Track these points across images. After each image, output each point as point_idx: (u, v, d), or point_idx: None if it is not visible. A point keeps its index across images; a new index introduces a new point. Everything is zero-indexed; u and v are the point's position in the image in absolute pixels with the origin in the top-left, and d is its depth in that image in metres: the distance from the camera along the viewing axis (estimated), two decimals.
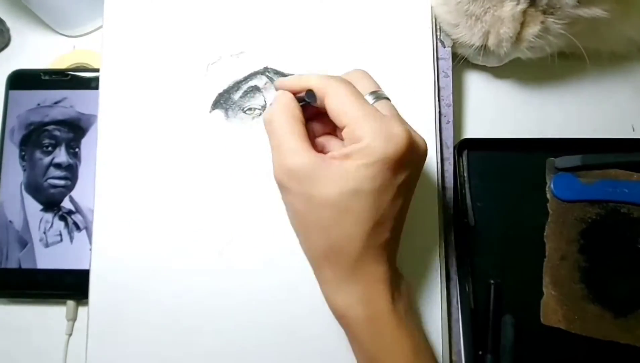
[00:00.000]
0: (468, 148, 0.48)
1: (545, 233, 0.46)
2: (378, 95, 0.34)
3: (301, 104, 0.34)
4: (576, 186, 0.47)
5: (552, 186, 0.47)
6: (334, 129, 0.36)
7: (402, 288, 0.35)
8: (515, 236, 0.46)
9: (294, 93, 0.34)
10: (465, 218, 0.46)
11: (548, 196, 0.47)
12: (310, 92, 0.33)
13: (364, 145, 0.31)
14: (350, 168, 0.31)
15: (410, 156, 0.31)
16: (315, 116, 0.35)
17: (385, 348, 0.33)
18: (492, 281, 0.45)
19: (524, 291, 0.45)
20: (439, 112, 0.44)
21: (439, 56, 0.45)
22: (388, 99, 0.34)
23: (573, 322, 0.44)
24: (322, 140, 0.36)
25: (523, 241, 0.46)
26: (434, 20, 0.45)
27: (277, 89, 0.35)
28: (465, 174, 0.47)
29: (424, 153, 0.33)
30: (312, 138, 0.36)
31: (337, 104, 0.32)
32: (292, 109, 0.33)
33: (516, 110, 0.51)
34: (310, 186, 0.31)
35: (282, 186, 0.33)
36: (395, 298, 0.34)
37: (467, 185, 0.47)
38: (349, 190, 0.31)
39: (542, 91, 0.52)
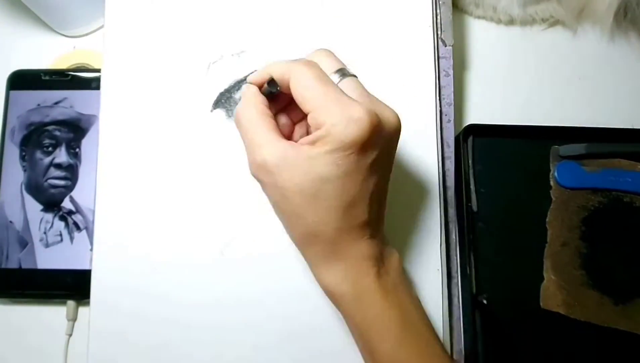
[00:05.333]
0: (473, 134, 0.48)
1: (547, 219, 0.46)
2: (344, 73, 0.34)
3: (267, 94, 0.34)
4: (580, 174, 0.47)
5: (555, 173, 0.47)
6: None
7: (390, 263, 0.35)
8: (517, 221, 0.47)
9: (262, 84, 0.34)
10: (468, 203, 0.46)
11: (551, 183, 0.47)
12: (271, 82, 0.33)
13: (324, 132, 0.30)
14: (314, 155, 0.31)
15: (375, 136, 0.31)
16: (292, 103, 0.35)
17: (372, 323, 0.34)
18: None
19: (524, 276, 0.46)
20: (440, 111, 0.44)
21: (440, 54, 0.45)
22: (354, 76, 0.34)
23: (572, 307, 0.44)
24: (300, 126, 0.37)
25: (525, 227, 0.47)
26: (434, 19, 0.45)
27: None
28: (470, 161, 0.47)
29: (393, 130, 0.33)
30: (290, 125, 0.37)
31: (300, 90, 0.32)
32: (256, 103, 0.34)
33: (518, 110, 0.51)
34: (279, 177, 0.32)
35: (257, 180, 0.34)
36: (382, 274, 0.34)
37: (471, 171, 0.47)
38: (315, 178, 0.31)
39: (543, 89, 0.52)
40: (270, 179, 0.32)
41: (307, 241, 0.34)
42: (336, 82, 0.33)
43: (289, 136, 0.37)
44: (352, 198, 0.32)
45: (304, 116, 0.35)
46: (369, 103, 0.32)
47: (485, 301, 0.44)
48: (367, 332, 0.34)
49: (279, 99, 0.35)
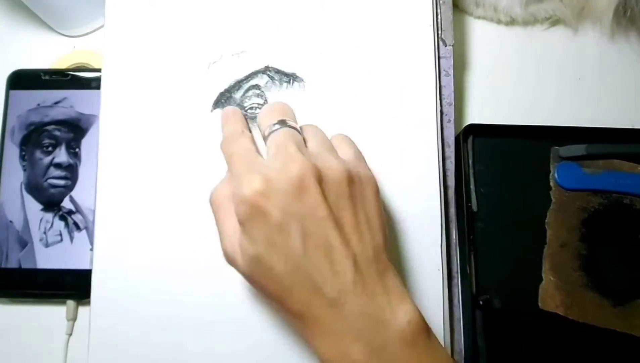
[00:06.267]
0: (473, 134, 0.48)
1: (546, 220, 0.46)
2: (284, 123, 0.34)
3: None
4: (580, 175, 0.47)
5: (555, 174, 0.47)
6: None
7: (388, 330, 0.29)
8: (517, 222, 0.47)
9: None
10: (468, 203, 0.46)
11: (551, 184, 0.47)
12: None
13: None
14: (238, 239, 0.32)
15: (262, 202, 0.29)
16: None
17: None
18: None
19: (524, 276, 0.46)
20: (440, 111, 0.44)
21: (440, 54, 0.45)
22: (292, 128, 0.34)
23: (571, 308, 0.45)
24: None
25: (525, 228, 0.47)
26: (435, 18, 0.45)
27: None
28: (470, 161, 0.47)
29: (285, 186, 0.30)
30: None
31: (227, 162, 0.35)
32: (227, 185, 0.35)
33: (518, 110, 0.51)
34: (239, 267, 0.33)
35: None
36: (371, 354, 0.29)
37: (471, 171, 0.47)
38: (249, 261, 0.31)
39: (544, 89, 0.52)
40: (235, 268, 0.33)
41: (284, 317, 0.33)
42: (272, 131, 0.34)
43: None
44: (293, 263, 0.29)
45: None
46: (269, 164, 0.32)
47: (483, 302, 0.44)
48: None
49: None
